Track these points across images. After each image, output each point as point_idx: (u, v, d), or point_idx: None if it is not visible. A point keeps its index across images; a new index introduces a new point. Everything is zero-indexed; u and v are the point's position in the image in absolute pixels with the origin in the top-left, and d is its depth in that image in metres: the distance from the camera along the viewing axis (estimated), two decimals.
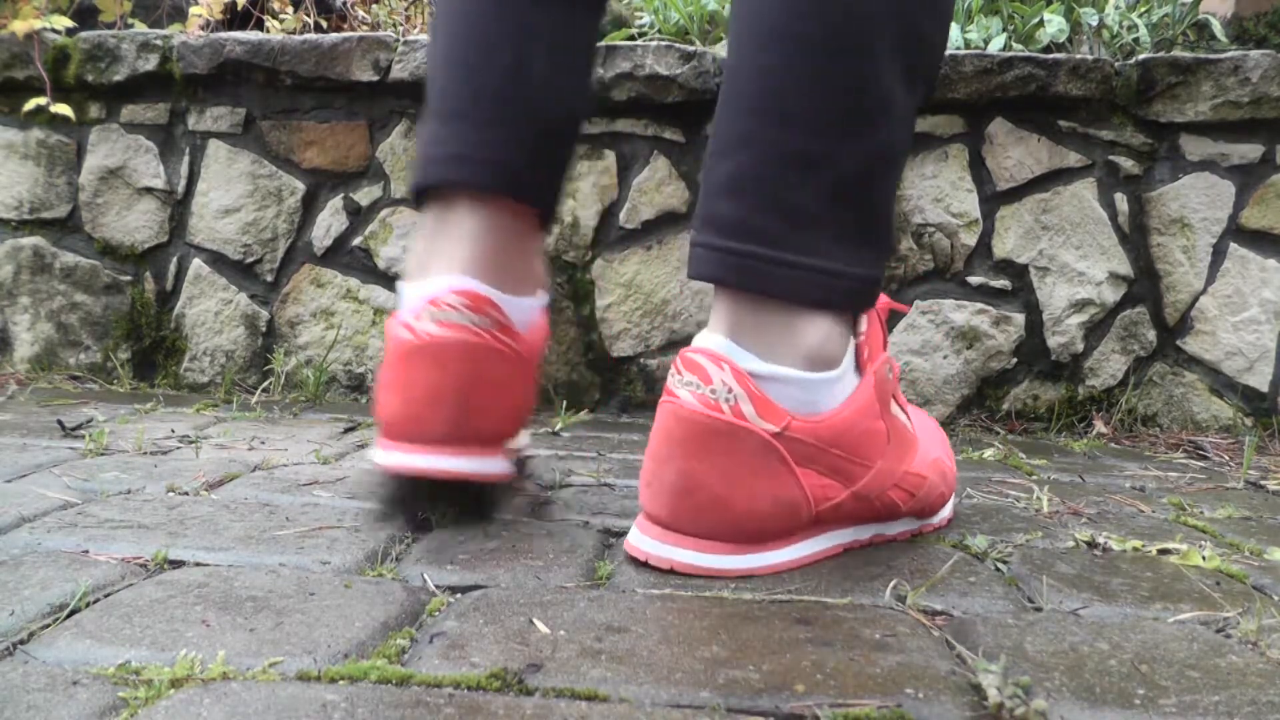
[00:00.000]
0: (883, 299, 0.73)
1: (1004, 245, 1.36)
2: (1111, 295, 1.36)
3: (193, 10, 1.52)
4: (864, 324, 0.66)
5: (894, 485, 0.66)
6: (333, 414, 1.25)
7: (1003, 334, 1.36)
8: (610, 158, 1.37)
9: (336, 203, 1.41)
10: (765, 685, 0.44)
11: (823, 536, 0.65)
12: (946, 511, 0.75)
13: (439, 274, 0.70)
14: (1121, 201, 1.35)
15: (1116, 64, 1.32)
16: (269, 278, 1.43)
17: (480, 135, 0.71)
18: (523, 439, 0.89)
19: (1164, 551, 0.70)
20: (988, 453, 1.13)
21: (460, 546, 0.65)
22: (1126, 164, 1.34)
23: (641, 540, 0.62)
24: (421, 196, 0.75)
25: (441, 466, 0.68)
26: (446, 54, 0.73)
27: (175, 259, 1.44)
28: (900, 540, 0.70)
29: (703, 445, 0.59)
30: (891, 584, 0.60)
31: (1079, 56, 1.32)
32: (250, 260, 1.43)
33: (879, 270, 0.65)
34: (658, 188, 1.36)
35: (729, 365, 0.60)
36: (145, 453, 0.92)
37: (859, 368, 0.66)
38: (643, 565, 0.62)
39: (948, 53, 1.25)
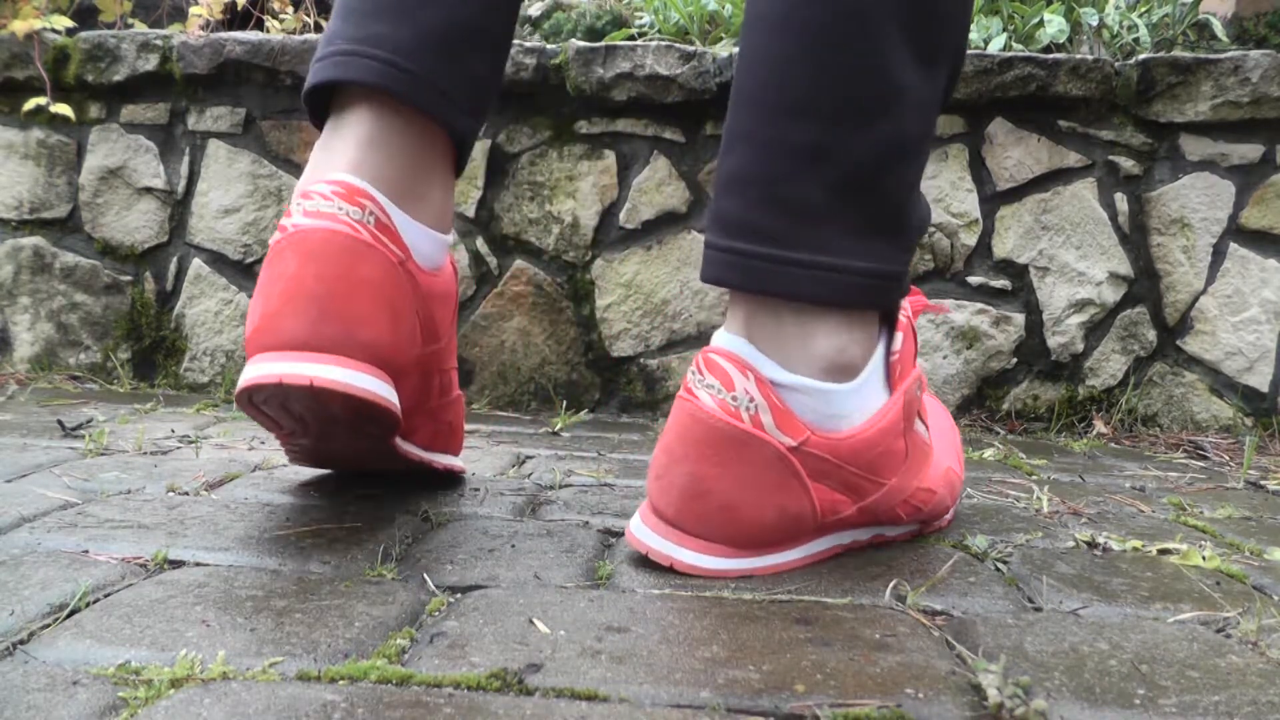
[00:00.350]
0: (920, 300, 0.71)
1: (1004, 245, 1.36)
2: (1111, 295, 1.36)
3: (193, 10, 1.52)
4: (899, 341, 0.64)
5: (903, 501, 0.65)
6: None
7: (1003, 334, 1.36)
8: (610, 158, 1.37)
9: None
10: (765, 685, 0.44)
11: (823, 539, 0.65)
12: (949, 514, 0.75)
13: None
14: (1121, 201, 1.35)
15: (1116, 64, 1.32)
16: None
17: (378, 30, 0.63)
18: (455, 461, 0.84)
19: (1164, 551, 0.70)
20: (988, 453, 1.13)
21: (460, 546, 0.65)
22: (1126, 164, 1.34)
23: (644, 532, 0.61)
24: (315, 106, 0.66)
25: (292, 372, 0.57)
26: None
27: (175, 259, 1.44)
28: (900, 540, 0.70)
29: (718, 451, 0.58)
30: (891, 584, 0.60)
31: (1079, 56, 1.33)
32: (250, 260, 1.43)
33: (897, 265, 0.61)
34: (658, 188, 1.36)
35: (753, 374, 0.58)
36: (145, 453, 0.92)
37: (890, 385, 0.64)
38: (642, 558, 0.62)
39: None
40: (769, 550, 0.61)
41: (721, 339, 0.61)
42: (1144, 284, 1.36)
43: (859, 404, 0.62)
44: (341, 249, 0.59)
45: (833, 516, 0.62)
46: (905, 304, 0.66)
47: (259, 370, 0.58)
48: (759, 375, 0.59)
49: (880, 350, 0.64)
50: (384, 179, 0.63)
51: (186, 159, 1.43)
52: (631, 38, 1.61)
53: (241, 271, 1.43)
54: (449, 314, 0.72)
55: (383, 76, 0.63)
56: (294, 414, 0.65)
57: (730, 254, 0.60)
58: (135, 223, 1.44)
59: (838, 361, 0.61)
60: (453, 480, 0.86)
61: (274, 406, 0.64)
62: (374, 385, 0.60)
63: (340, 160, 0.63)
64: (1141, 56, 1.33)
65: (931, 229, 1.35)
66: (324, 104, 0.67)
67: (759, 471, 0.59)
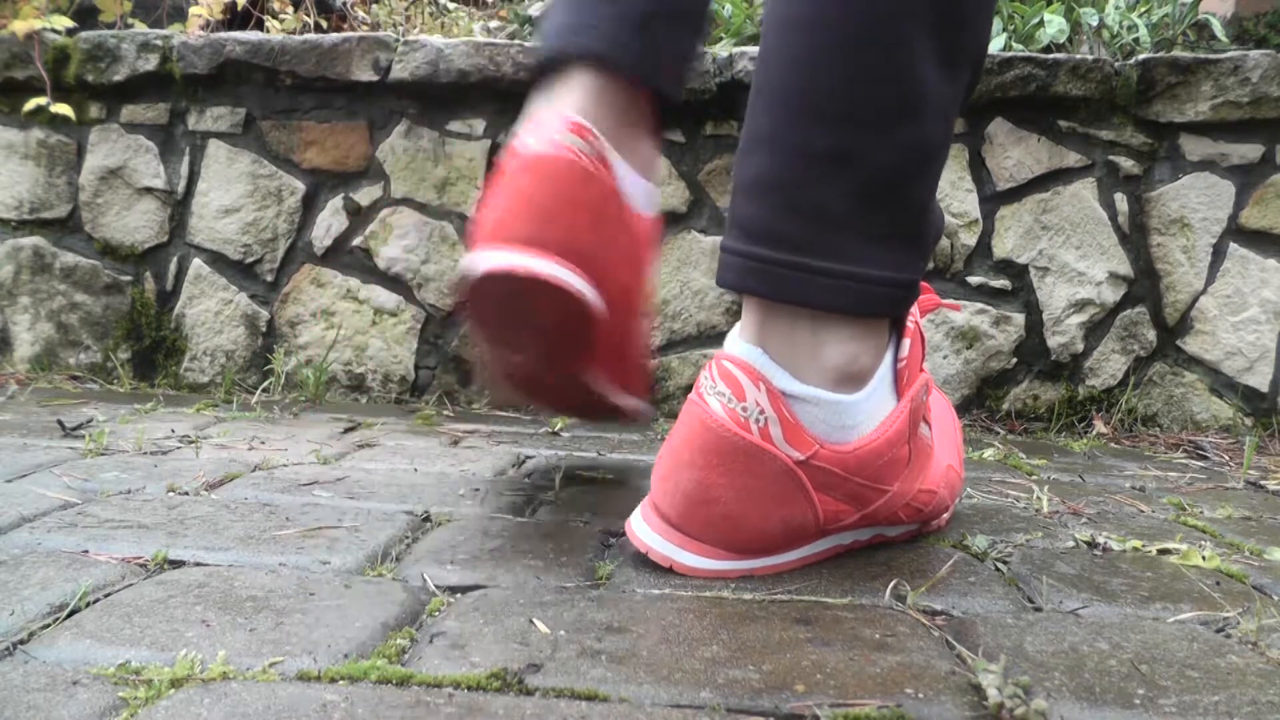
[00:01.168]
0: (933, 299, 0.72)
1: (1004, 245, 1.36)
2: (1111, 295, 1.36)
3: (193, 10, 1.52)
4: (906, 347, 0.64)
5: (905, 505, 0.65)
6: (333, 414, 1.25)
7: (1003, 334, 1.36)
8: None
9: (336, 203, 1.41)
10: (765, 685, 0.44)
11: (823, 541, 0.64)
12: (948, 513, 0.75)
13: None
14: (1121, 201, 1.35)
15: (1116, 64, 1.32)
16: (269, 278, 1.43)
17: (600, 9, 0.73)
18: (641, 404, 0.86)
19: (1164, 551, 0.70)
20: (988, 453, 1.13)
21: (460, 546, 0.65)
22: (1126, 164, 1.34)
23: (646, 532, 0.61)
24: (540, 71, 0.76)
25: (521, 263, 0.66)
26: None
27: (175, 259, 1.44)
28: (900, 540, 0.70)
29: (725, 461, 0.58)
30: (891, 584, 0.60)
31: (1079, 56, 1.32)
32: (250, 260, 1.43)
33: (913, 273, 0.61)
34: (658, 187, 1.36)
35: (765, 385, 0.58)
36: (145, 453, 0.92)
37: (897, 391, 0.64)
38: (642, 557, 0.62)
39: None
40: (769, 554, 0.62)
41: (734, 345, 0.61)
42: (1144, 284, 1.36)
43: (867, 413, 0.61)
44: (568, 170, 0.68)
45: (835, 524, 0.62)
46: (913, 308, 0.66)
47: (485, 258, 0.67)
48: (770, 386, 0.58)
49: (889, 357, 0.63)
50: (605, 126, 0.71)
51: (186, 159, 1.43)
52: None
53: (241, 271, 1.43)
54: (650, 259, 0.79)
55: (610, 49, 0.72)
56: (503, 304, 0.72)
57: (749, 259, 0.60)
58: (135, 223, 1.44)
59: (849, 371, 0.60)
60: (453, 480, 0.86)
61: (489, 296, 0.71)
62: (586, 288, 0.68)
63: (566, 104, 0.72)
64: (1141, 56, 1.33)
65: None
66: (542, 68, 0.76)
67: (766, 484, 0.59)
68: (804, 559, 0.63)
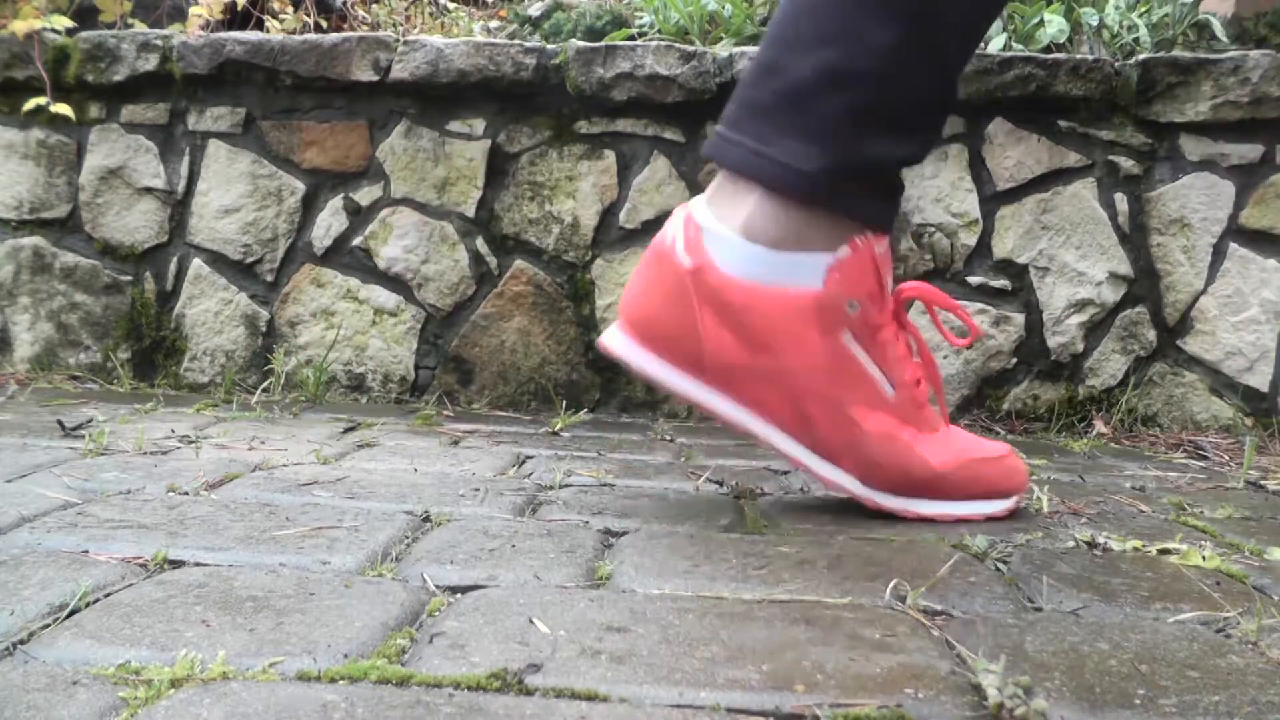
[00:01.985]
0: (915, 288, 0.81)
1: (1004, 245, 1.36)
2: (1111, 295, 1.36)
3: (193, 10, 1.52)
4: (844, 253, 0.75)
5: (816, 399, 0.75)
6: (333, 414, 1.25)
7: (1003, 334, 1.36)
8: (610, 158, 1.37)
9: (336, 203, 1.41)
10: (765, 685, 0.44)
11: (729, 401, 0.76)
12: (990, 507, 0.79)
13: None
14: (1121, 201, 1.35)
15: (1116, 64, 1.32)
16: (269, 278, 1.43)
17: None
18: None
19: (1164, 551, 0.70)
20: None
21: (460, 546, 0.65)
22: (1126, 164, 1.34)
23: (610, 333, 0.79)
24: None
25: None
26: None
27: (175, 259, 1.44)
28: (903, 517, 0.70)
29: (650, 267, 0.78)
30: (891, 584, 0.60)
31: (1079, 56, 1.32)
32: (250, 260, 1.43)
33: (807, 165, 0.73)
34: (658, 188, 1.36)
35: (690, 219, 0.76)
36: (145, 453, 0.92)
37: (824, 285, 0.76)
38: (642, 560, 0.62)
39: None
40: (678, 370, 0.76)
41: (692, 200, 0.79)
42: (1144, 284, 1.36)
43: (772, 271, 0.74)
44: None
45: (722, 358, 0.74)
46: (875, 239, 0.76)
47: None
48: (689, 215, 0.76)
49: (826, 254, 0.75)
50: None
51: (186, 159, 1.43)
52: (631, 38, 1.61)
53: (241, 271, 1.43)
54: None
55: None
56: None
57: (714, 134, 0.79)
58: (135, 223, 1.44)
59: (751, 227, 0.75)
60: (453, 480, 0.86)
61: None
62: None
63: None
64: (1141, 56, 1.33)
65: (931, 229, 1.35)
66: None
67: (666, 282, 0.76)
68: (708, 406, 0.76)
